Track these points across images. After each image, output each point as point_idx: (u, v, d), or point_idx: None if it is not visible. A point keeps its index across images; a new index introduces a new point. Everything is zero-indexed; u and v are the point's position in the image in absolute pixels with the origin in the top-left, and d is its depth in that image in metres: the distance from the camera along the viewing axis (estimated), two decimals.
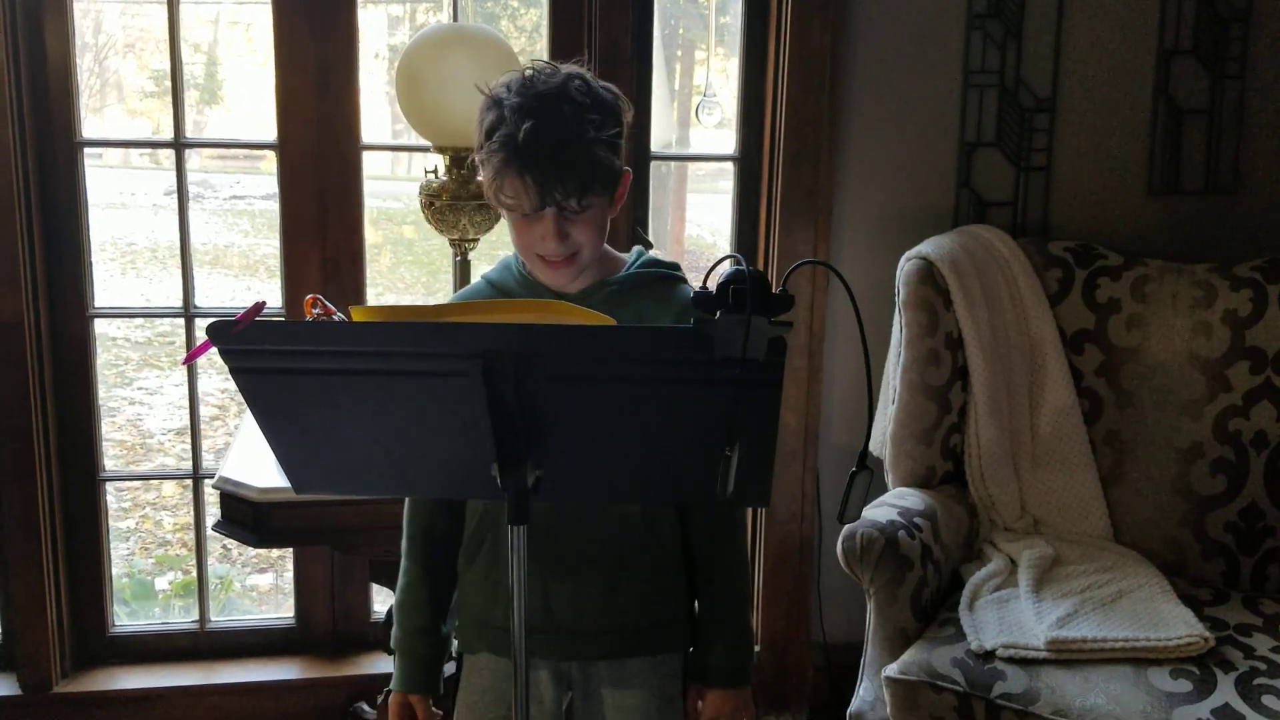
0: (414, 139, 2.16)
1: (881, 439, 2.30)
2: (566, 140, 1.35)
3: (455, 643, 1.60)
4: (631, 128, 1.49)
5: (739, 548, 1.58)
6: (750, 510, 2.47)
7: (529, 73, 1.40)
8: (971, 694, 1.84)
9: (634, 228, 2.47)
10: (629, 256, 1.53)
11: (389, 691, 2.13)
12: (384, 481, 1.36)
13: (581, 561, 1.48)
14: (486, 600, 1.51)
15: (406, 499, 1.56)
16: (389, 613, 1.64)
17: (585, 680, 1.55)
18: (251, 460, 1.93)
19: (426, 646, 1.55)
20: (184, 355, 1.89)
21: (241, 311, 1.13)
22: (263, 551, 3.84)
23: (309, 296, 1.81)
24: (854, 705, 2.07)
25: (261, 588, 3.98)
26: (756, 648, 2.63)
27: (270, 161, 2.41)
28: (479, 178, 1.48)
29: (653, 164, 2.54)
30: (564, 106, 1.36)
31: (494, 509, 1.49)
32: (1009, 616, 1.95)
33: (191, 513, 2.61)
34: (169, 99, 2.41)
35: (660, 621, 1.53)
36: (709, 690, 1.55)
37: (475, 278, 1.62)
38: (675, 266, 1.54)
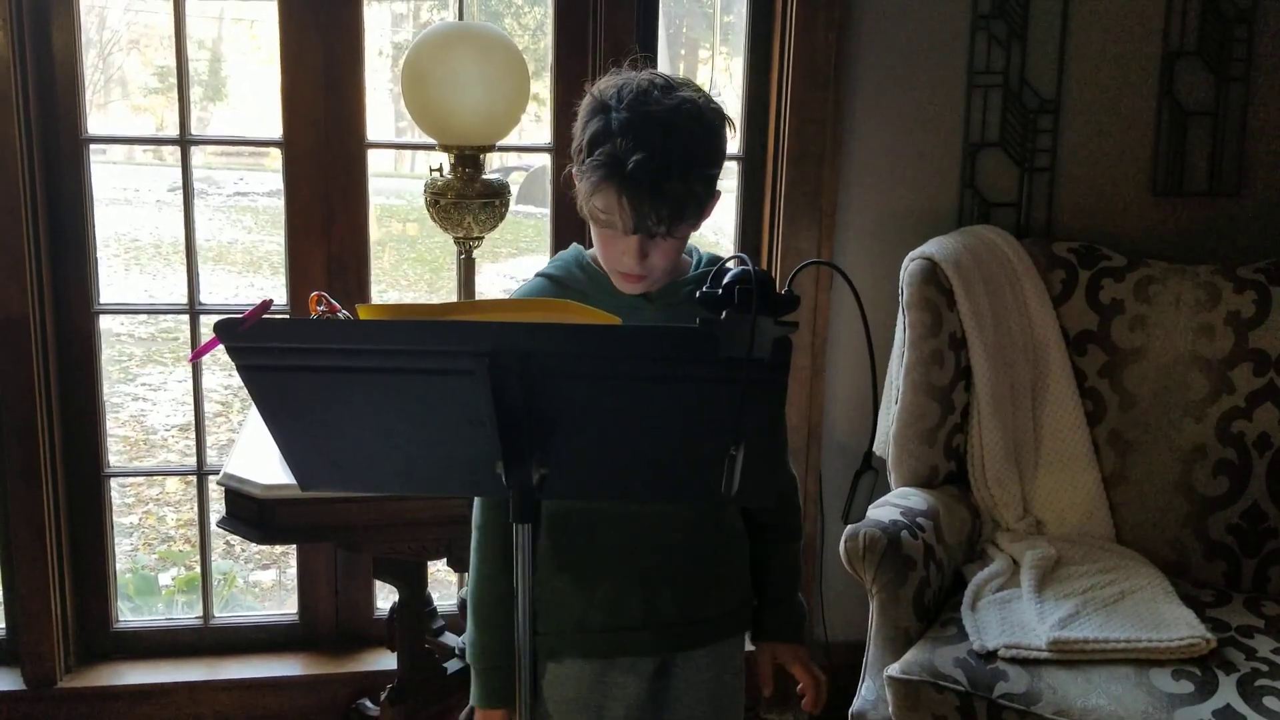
0: (418, 136, 2.16)
1: (885, 439, 2.30)
2: (671, 176, 1.33)
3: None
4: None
5: (799, 512, 1.67)
6: None
7: (642, 84, 1.36)
8: (973, 694, 1.84)
9: None
10: (691, 255, 1.52)
11: (392, 689, 2.14)
12: (389, 479, 1.36)
13: (686, 554, 1.50)
14: (582, 604, 1.49)
15: (476, 501, 1.52)
16: (476, 623, 1.55)
17: (660, 667, 1.54)
18: (256, 457, 1.94)
19: (510, 657, 1.45)
20: (188, 351, 1.90)
21: (249, 309, 1.13)
22: (266, 548, 3.84)
23: (313, 294, 1.81)
24: (856, 705, 2.07)
25: (265, 584, 3.98)
26: None
27: (273, 158, 2.44)
28: (575, 184, 1.43)
29: None
30: (672, 139, 1.33)
31: (577, 515, 1.48)
32: (1011, 617, 1.96)
33: (195, 508, 2.62)
34: (173, 95, 2.42)
35: (745, 599, 1.58)
36: (796, 646, 1.61)
37: (479, 275, 1.60)
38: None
